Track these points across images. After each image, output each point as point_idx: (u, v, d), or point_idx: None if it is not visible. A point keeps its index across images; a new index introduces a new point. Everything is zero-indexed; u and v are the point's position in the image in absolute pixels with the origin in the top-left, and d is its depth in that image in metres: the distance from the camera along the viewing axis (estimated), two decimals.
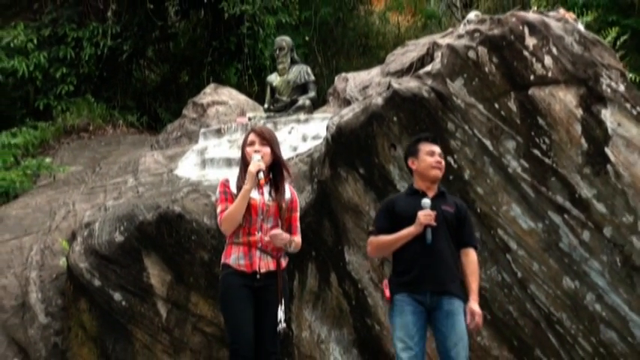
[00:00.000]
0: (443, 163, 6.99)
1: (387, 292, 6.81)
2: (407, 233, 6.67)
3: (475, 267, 6.92)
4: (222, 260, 6.77)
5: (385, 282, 6.91)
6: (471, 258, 6.90)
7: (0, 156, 14.05)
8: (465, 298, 6.84)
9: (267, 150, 6.74)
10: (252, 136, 6.80)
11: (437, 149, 6.99)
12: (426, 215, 6.62)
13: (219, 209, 6.69)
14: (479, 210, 8.95)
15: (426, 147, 7.00)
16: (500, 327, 8.99)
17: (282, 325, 6.67)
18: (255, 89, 17.59)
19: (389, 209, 6.94)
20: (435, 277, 6.66)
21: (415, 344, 6.59)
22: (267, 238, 6.61)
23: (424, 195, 6.84)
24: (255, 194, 6.61)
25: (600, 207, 8.80)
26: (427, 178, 6.92)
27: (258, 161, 6.63)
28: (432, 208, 6.69)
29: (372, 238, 6.97)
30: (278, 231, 6.63)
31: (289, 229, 6.81)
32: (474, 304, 6.72)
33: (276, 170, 6.81)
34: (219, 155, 11.34)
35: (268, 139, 6.80)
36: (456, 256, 6.88)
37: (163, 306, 9.70)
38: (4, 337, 10.32)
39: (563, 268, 8.85)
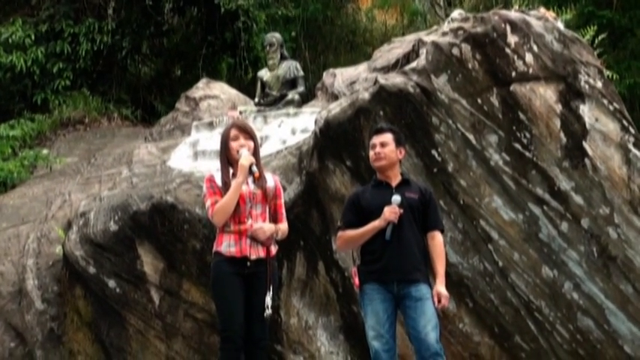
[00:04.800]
0: (383, 151, 6.92)
1: (357, 281, 6.86)
2: (372, 227, 6.73)
3: (441, 250, 6.92)
4: (214, 248, 6.86)
5: (354, 270, 6.95)
6: (437, 241, 6.90)
7: None
8: (433, 281, 6.86)
9: (251, 144, 6.84)
10: (234, 131, 6.88)
11: (377, 140, 6.98)
12: (391, 212, 6.67)
13: (208, 203, 6.76)
14: (462, 201, 9.13)
15: (371, 141, 7.06)
16: (481, 314, 9.17)
17: (269, 312, 6.72)
18: (250, 75, 17.66)
19: (354, 203, 6.96)
20: (402, 267, 6.69)
21: (386, 331, 6.66)
22: (256, 225, 6.72)
23: (388, 186, 6.89)
24: None
25: (578, 199, 9.02)
26: (377, 170, 6.98)
27: (248, 155, 6.72)
28: (400, 203, 6.73)
29: (340, 233, 7.00)
30: (259, 225, 6.71)
31: (275, 216, 6.90)
32: (440, 287, 6.74)
33: (257, 159, 6.86)
34: (210, 147, 11.31)
35: (250, 133, 6.92)
36: (422, 242, 6.89)
37: (156, 293, 9.77)
38: (1, 322, 10.41)
39: (543, 257, 9.06)
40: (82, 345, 10.09)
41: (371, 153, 7.01)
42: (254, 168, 6.71)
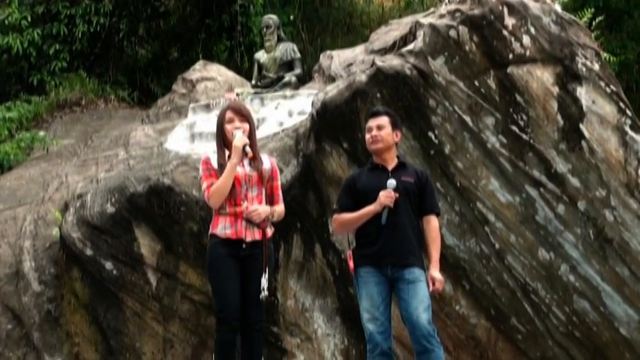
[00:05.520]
0: (380, 134, 6.89)
1: (351, 264, 6.85)
2: (367, 212, 6.71)
3: (436, 234, 6.91)
4: (210, 230, 6.84)
5: (349, 253, 6.93)
6: (432, 225, 6.88)
7: None
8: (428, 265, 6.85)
9: (246, 126, 6.83)
10: (230, 114, 6.87)
11: (374, 123, 6.95)
12: (386, 196, 6.64)
13: (204, 185, 6.77)
14: (459, 184, 9.15)
15: (367, 124, 7.04)
16: (478, 296, 9.20)
17: (265, 294, 6.72)
18: (246, 65, 17.65)
19: (350, 187, 6.96)
20: (396, 251, 6.68)
21: (381, 314, 6.66)
22: (251, 207, 6.74)
23: (384, 169, 6.87)
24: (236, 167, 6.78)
25: (575, 181, 9.03)
26: (373, 153, 6.96)
27: (242, 136, 6.75)
28: (395, 187, 6.71)
29: (336, 216, 6.99)
30: (254, 207, 6.71)
31: (272, 198, 6.88)
32: (434, 272, 6.74)
33: (252, 141, 6.85)
34: (207, 129, 11.32)
35: (246, 115, 6.89)
36: (417, 226, 6.88)
37: (153, 275, 9.82)
38: None
39: (539, 240, 9.08)
40: (79, 327, 10.12)
41: (367, 136, 6.99)
42: (247, 149, 6.71)
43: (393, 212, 6.71)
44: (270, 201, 6.89)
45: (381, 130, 6.93)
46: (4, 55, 17.08)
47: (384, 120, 6.99)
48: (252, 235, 6.74)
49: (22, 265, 10.56)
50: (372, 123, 6.98)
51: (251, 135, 6.86)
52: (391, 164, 6.95)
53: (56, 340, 10.20)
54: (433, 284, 6.75)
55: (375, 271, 6.75)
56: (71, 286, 10.16)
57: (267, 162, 6.94)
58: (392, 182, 6.72)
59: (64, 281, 10.26)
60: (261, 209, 6.73)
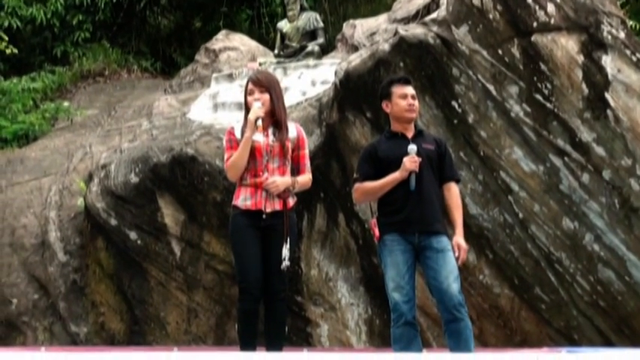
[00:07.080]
0: (416, 104, 6.78)
1: (377, 232, 6.72)
2: (392, 179, 6.60)
3: (458, 201, 6.82)
4: (233, 201, 6.79)
5: (373, 222, 6.77)
6: (453, 192, 6.80)
7: (20, 100, 14.14)
8: (451, 232, 6.74)
9: (266, 97, 6.73)
10: (250, 86, 6.77)
11: (409, 91, 6.78)
12: (411, 161, 6.53)
13: (225, 157, 6.70)
14: (482, 153, 9.13)
15: (398, 90, 6.80)
16: (501, 266, 9.20)
17: (286, 263, 6.71)
18: (272, 36, 17.60)
19: (371, 155, 6.81)
20: (423, 218, 6.58)
21: (406, 283, 6.57)
22: (270, 179, 6.70)
23: (404, 137, 6.73)
24: (259, 137, 6.59)
25: (600, 150, 8.98)
26: (402, 120, 6.77)
27: (258, 109, 6.68)
28: (417, 152, 6.59)
29: (358, 185, 6.82)
30: (272, 179, 6.60)
31: (297, 168, 6.82)
32: (459, 238, 6.63)
33: (278, 109, 6.70)
34: (230, 99, 11.33)
35: (266, 86, 6.75)
36: (440, 193, 6.80)
37: (177, 245, 9.90)
38: (24, 274, 10.57)
39: (563, 209, 9.05)
40: (104, 296, 10.21)
41: (403, 103, 6.79)
42: (258, 122, 6.65)
43: (419, 178, 6.68)
44: (297, 170, 6.81)
45: (415, 99, 6.86)
46: (27, 25, 17.10)
47: (413, 90, 6.93)
48: (271, 205, 6.67)
49: (48, 235, 10.67)
50: (407, 91, 6.82)
51: (274, 104, 6.80)
52: (410, 133, 6.90)
53: (82, 310, 10.31)
54: (459, 251, 6.69)
55: (401, 239, 6.69)
56: (96, 256, 10.25)
57: (294, 131, 6.83)
58: (413, 147, 6.65)
59: (89, 251, 10.36)
60: (279, 181, 6.66)
